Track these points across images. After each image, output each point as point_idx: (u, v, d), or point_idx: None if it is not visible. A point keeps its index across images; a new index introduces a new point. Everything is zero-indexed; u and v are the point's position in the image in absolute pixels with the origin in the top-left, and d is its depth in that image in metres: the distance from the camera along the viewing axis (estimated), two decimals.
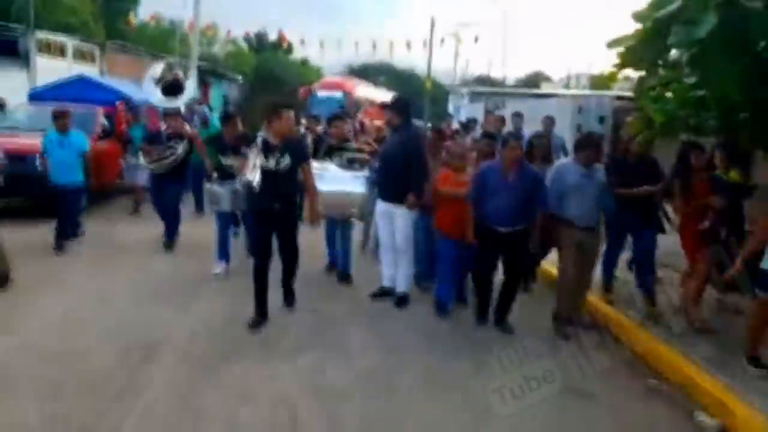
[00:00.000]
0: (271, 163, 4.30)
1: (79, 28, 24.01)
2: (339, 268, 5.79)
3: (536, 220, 4.48)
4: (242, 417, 3.09)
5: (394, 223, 5.14)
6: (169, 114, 7.22)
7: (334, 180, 5.24)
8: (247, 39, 30.73)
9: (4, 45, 14.63)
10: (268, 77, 31.87)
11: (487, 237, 4.54)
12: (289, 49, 34.19)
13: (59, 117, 6.47)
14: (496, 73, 54.18)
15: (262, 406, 3.19)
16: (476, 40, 30.11)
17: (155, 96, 8.55)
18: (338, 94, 20.76)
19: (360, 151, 5.91)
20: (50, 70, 14.35)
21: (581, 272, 4.53)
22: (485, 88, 24.32)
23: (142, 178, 8.06)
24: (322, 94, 21.04)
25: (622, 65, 2.92)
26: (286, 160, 4.34)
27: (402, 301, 5.15)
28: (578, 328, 4.51)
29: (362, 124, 12.70)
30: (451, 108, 24.73)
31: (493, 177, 4.51)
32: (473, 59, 54.95)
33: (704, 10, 2.38)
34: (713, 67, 2.64)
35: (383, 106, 5.80)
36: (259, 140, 4.30)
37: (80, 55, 17.93)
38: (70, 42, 17.98)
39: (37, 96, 10.28)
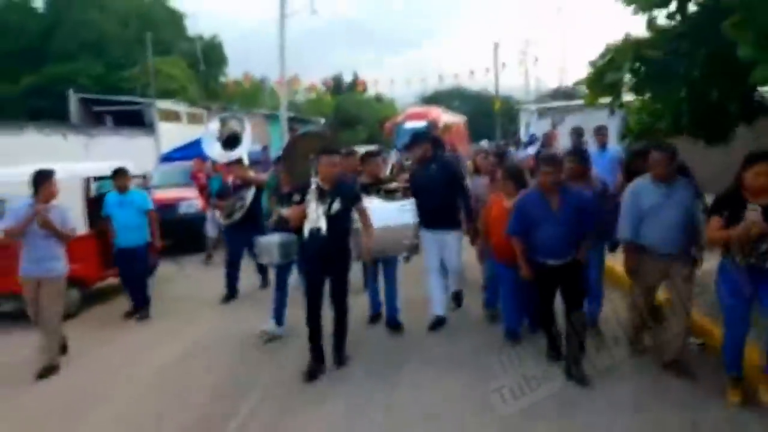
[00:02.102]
0: (323, 209, 4.29)
1: (179, 91, 27.72)
2: (388, 316, 5.43)
3: (585, 246, 4.15)
4: None
5: (446, 248, 5.27)
6: (232, 164, 7.28)
7: (382, 214, 4.89)
8: (325, 85, 33.45)
9: (133, 116, 17.83)
10: (347, 117, 34.41)
11: (539, 272, 4.22)
12: (364, 89, 36.68)
13: (118, 176, 6.34)
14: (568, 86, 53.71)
15: None
16: (536, 60, 30.60)
17: (215, 151, 8.73)
18: (423, 124, 20.73)
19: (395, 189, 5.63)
20: (169, 133, 17.26)
21: (673, 304, 4.00)
22: (556, 102, 24.92)
23: (213, 230, 8.76)
24: (408, 125, 21.10)
25: (591, 94, 4.08)
26: (337, 205, 4.35)
27: (458, 297, 5.63)
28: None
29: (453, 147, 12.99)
30: (522, 125, 25.56)
31: (534, 206, 4.14)
32: (545, 73, 55.05)
33: (623, 62, 3.60)
34: (650, 91, 3.83)
35: (414, 141, 5.67)
36: (313, 186, 4.31)
37: (192, 118, 21.00)
38: (183, 109, 21.19)
39: (166, 158, 12.67)
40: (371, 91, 39.23)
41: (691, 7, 3.83)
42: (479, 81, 29.72)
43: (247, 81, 26.94)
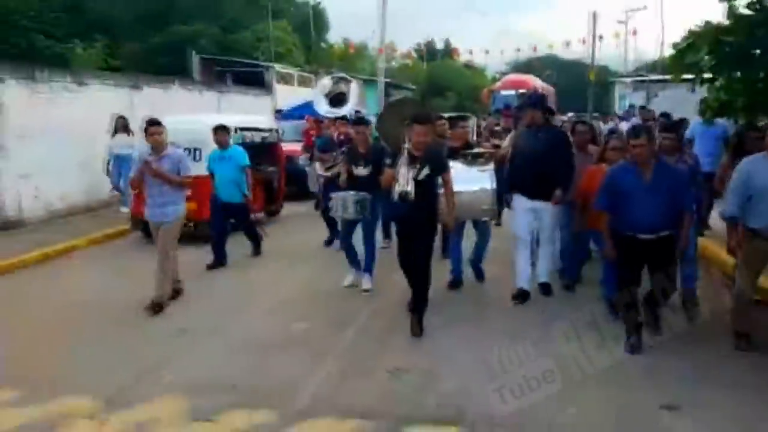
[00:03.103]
0: (412, 174, 4.42)
1: (284, 54, 29.49)
2: (475, 269, 5.77)
3: (683, 225, 4.08)
4: None
5: (541, 219, 5.16)
6: (338, 120, 8.08)
7: (462, 179, 5.01)
8: (417, 51, 34.18)
9: (251, 77, 19.74)
10: (438, 84, 35.04)
11: (626, 247, 4.11)
12: (454, 55, 37.03)
13: (219, 131, 6.66)
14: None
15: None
16: (634, 32, 29.56)
17: (323, 107, 9.63)
18: (521, 91, 21.01)
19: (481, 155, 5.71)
20: (283, 94, 19.02)
21: None
22: (653, 75, 24.25)
23: (313, 185, 8.94)
24: (504, 92, 21.86)
25: (674, 73, 4.76)
26: (426, 171, 4.47)
27: (547, 289, 5.29)
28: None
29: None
30: (617, 97, 25.16)
31: (627, 179, 4.08)
32: (645, 44, 51.99)
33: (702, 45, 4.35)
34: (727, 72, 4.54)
35: (526, 105, 5.90)
36: (405, 152, 4.46)
37: (301, 81, 22.71)
38: (295, 72, 22.96)
39: (285, 116, 14.18)
40: (464, 57, 39.42)
41: None
42: (576, 51, 29.16)
43: (351, 48, 28.22)
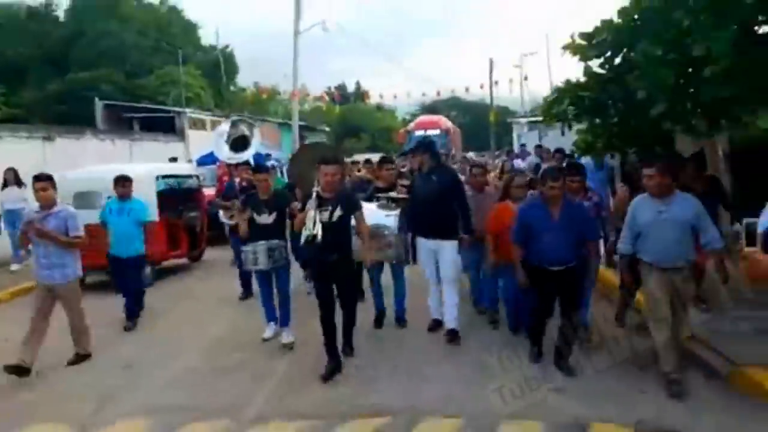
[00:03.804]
0: (325, 216, 4.45)
1: (193, 99, 29.42)
2: (395, 314, 5.80)
3: (588, 254, 4.51)
4: None
5: (441, 257, 5.25)
6: (240, 166, 7.63)
7: (368, 216, 5.04)
8: (329, 94, 35.27)
9: (163, 123, 19.65)
10: (351, 126, 36.22)
11: (537, 278, 4.45)
12: (365, 98, 38.56)
13: (120, 182, 6.31)
14: None
15: None
16: (525, 78, 32.27)
17: (224, 153, 9.35)
18: (436, 132, 21.72)
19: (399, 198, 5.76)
20: (196, 139, 19.04)
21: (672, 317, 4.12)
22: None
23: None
24: (419, 133, 22.07)
25: (545, 119, 5.74)
26: (338, 212, 4.50)
27: (453, 335, 5.22)
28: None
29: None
30: (515, 136, 27.33)
31: (536, 215, 4.44)
32: (539, 85, 56.77)
33: (564, 98, 5.34)
34: (585, 120, 5.63)
35: (415, 149, 5.94)
36: (313, 195, 4.49)
37: (214, 125, 22.70)
38: (207, 117, 23.02)
39: (200, 162, 14.30)
40: (373, 100, 41.09)
41: (617, 60, 5.53)
42: (475, 93, 31.66)
43: (263, 92, 28.66)
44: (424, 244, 5.39)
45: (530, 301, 4.74)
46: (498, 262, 5.18)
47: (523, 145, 17.79)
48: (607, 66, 5.54)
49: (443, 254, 5.26)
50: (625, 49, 5.24)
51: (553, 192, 4.37)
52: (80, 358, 5.19)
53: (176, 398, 4.43)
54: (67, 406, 4.38)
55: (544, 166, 8.78)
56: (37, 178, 5.00)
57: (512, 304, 5.36)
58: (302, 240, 4.56)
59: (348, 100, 42.73)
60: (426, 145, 5.67)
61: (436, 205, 5.18)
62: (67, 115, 23.73)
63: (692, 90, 4.90)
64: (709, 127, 5.09)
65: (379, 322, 5.83)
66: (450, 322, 5.29)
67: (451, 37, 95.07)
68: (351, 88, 48.13)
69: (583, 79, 5.54)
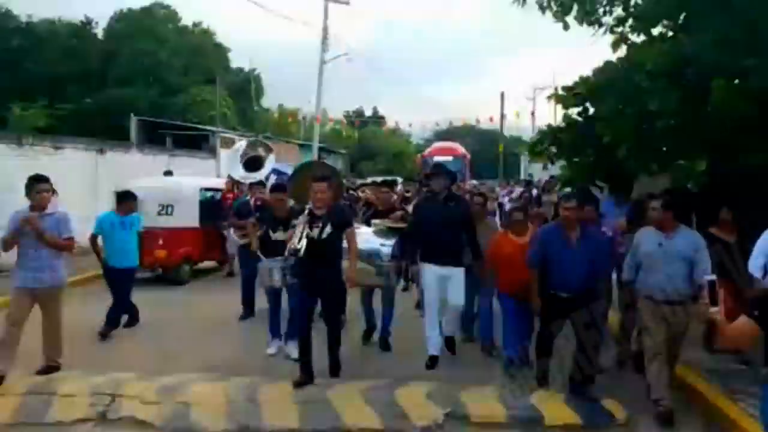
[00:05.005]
0: (315, 233, 4.54)
1: (220, 119, 30.99)
2: (380, 336, 5.84)
3: (601, 284, 4.50)
4: None
5: (452, 284, 5.16)
6: (255, 185, 7.73)
7: (364, 240, 5.26)
8: (347, 117, 36.85)
9: (193, 140, 21.07)
10: (367, 149, 37.72)
11: (549, 303, 4.45)
12: (382, 123, 40.10)
13: (126, 199, 6.46)
14: None
15: None
16: (532, 114, 33.22)
17: (237, 171, 9.51)
18: (451, 158, 21.88)
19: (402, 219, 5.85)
20: (227, 158, 20.36)
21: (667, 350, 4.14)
22: None
23: (231, 248, 8.84)
24: (436, 159, 21.91)
25: (531, 157, 6.89)
26: (329, 229, 4.57)
27: (450, 343, 5.45)
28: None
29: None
30: (523, 167, 28.56)
31: (554, 240, 4.40)
32: (550, 117, 57.88)
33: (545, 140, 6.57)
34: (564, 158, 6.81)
35: (436, 173, 5.64)
36: (306, 211, 4.64)
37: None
38: (237, 137, 24.48)
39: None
40: (390, 126, 42.60)
41: (590, 110, 6.70)
42: (487, 123, 33.12)
43: (289, 115, 30.21)
44: (432, 270, 5.21)
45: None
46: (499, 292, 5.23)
47: (530, 175, 18.82)
48: (582, 115, 6.72)
49: (453, 281, 5.19)
50: (596, 102, 6.42)
51: (567, 214, 4.40)
52: (50, 369, 4.96)
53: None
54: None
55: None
56: (41, 180, 4.87)
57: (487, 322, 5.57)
58: (287, 252, 4.74)
59: (365, 124, 44.31)
60: (446, 169, 5.82)
61: (448, 231, 5.17)
62: (103, 129, 25.36)
63: (649, 138, 6.05)
64: (660, 169, 6.21)
65: (367, 337, 6.00)
66: (448, 331, 5.44)
67: (468, 70, 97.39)
68: (368, 112, 49.83)
69: (562, 124, 6.72)
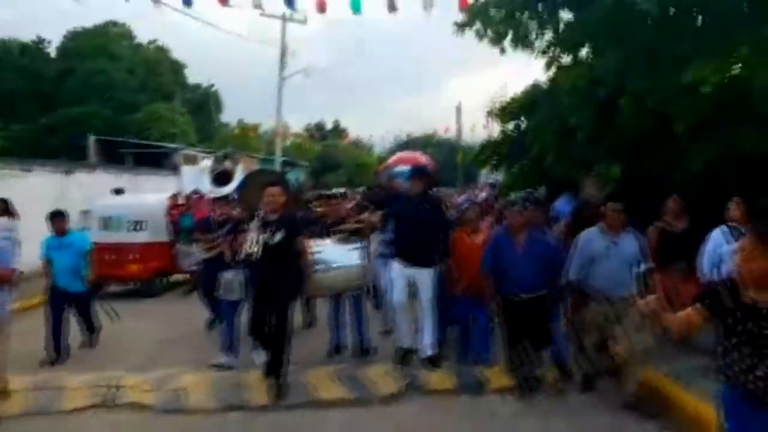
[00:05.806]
0: (266, 238, 4.54)
1: (179, 135, 31.06)
2: (360, 345, 5.75)
3: (556, 287, 4.53)
4: None
5: (423, 283, 5.19)
6: (219, 200, 7.46)
7: (332, 256, 5.31)
8: (308, 130, 37.44)
9: (153, 157, 21.28)
10: (329, 161, 38.38)
11: (509, 305, 4.54)
12: (344, 136, 40.90)
13: (56, 218, 6.25)
14: None
15: None
16: (484, 126, 34.37)
17: (204, 185, 9.55)
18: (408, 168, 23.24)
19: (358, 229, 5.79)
20: (189, 174, 20.68)
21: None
22: None
23: (189, 265, 8.84)
24: (400, 168, 24.00)
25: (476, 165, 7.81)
26: (280, 235, 4.56)
27: (435, 360, 5.19)
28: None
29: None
30: (482, 175, 29.69)
31: (503, 244, 4.60)
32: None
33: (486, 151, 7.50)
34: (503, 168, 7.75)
35: (414, 175, 5.75)
36: (257, 217, 4.63)
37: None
38: (198, 153, 24.76)
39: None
40: (351, 138, 43.43)
41: (522, 126, 7.67)
42: (444, 134, 34.84)
43: (251, 131, 30.58)
44: (402, 269, 5.29)
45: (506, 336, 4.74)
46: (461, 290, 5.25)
47: (496, 180, 19.78)
48: (516, 129, 7.70)
49: (424, 280, 5.22)
50: (526, 118, 7.40)
51: (513, 218, 4.65)
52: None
53: None
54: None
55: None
56: None
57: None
58: (240, 256, 4.83)
59: (326, 137, 44.96)
60: (422, 170, 5.97)
61: (424, 231, 5.22)
62: (58, 149, 25.12)
63: (570, 148, 7.03)
64: (582, 174, 7.19)
65: (336, 352, 5.86)
66: (428, 347, 5.24)
67: (426, 85, 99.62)
68: (329, 125, 50.53)
69: (500, 137, 7.68)
